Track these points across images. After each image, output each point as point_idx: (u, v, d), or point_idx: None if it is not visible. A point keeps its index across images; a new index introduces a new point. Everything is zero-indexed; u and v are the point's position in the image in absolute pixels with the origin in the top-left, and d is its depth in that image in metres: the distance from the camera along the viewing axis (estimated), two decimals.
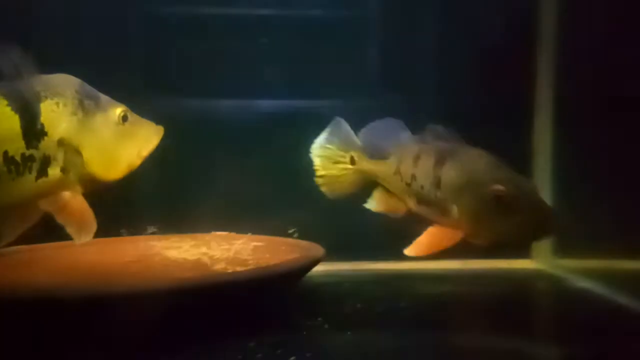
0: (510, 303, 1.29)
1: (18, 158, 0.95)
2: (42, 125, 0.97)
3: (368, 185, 1.46)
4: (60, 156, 0.99)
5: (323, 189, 1.46)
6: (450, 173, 1.21)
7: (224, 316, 1.00)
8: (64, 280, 1.19)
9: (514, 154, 1.62)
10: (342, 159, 1.45)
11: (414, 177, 1.30)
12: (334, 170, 1.45)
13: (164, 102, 1.55)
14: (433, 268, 1.55)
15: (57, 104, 0.99)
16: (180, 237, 1.51)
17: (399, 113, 1.56)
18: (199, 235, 1.51)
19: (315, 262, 1.20)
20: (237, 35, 1.66)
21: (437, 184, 1.24)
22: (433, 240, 1.22)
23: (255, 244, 1.43)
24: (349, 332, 1.03)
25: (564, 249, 1.59)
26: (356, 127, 1.49)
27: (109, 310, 0.90)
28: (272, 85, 1.67)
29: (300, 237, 1.50)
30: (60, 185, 1.01)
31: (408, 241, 1.58)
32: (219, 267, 1.26)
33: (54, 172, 0.99)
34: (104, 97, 1.07)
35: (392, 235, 1.59)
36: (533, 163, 1.67)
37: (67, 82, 1.03)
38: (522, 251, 1.63)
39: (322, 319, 1.08)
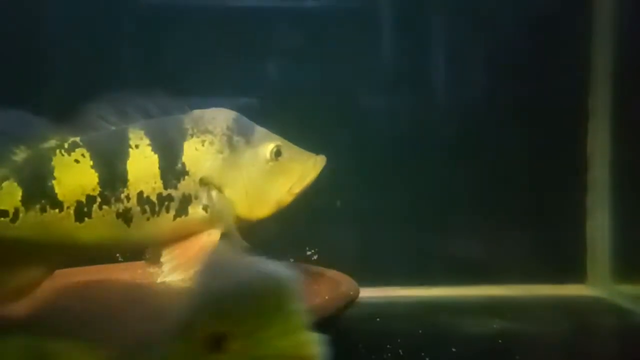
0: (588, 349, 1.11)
1: (154, 198, 0.96)
2: (183, 164, 0.98)
3: None
4: (202, 195, 0.99)
5: None
6: None
7: None
8: None
9: (564, 164, 1.46)
10: None
11: None
12: None
13: None
14: (472, 295, 1.36)
15: (203, 142, 0.99)
16: None
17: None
18: None
19: (349, 304, 1.01)
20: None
21: None
22: None
23: None
24: None
25: (623, 272, 1.39)
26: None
27: None
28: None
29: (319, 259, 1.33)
30: (202, 223, 1.00)
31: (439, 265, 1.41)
32: None
33: (195, 210, 0.99)
34: (259, 132, 1.04)
35: (423, 258, 1.42)
36: (587, 174, 1.47)
37: (219, 118, 1.01)
38: None
39: None
